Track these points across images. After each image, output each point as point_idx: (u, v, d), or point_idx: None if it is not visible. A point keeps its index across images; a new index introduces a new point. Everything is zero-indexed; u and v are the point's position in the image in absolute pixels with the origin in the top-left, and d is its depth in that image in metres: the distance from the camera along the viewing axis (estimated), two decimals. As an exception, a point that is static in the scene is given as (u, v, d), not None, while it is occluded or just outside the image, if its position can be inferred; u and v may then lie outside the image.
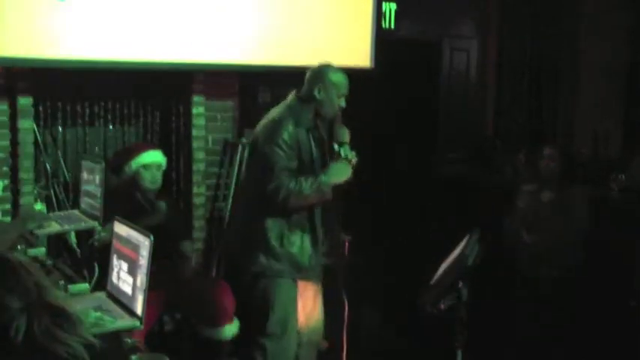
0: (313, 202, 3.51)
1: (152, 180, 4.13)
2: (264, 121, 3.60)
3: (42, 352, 1.73)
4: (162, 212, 4.13)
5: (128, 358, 2.45)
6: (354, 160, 3.52)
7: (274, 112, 3.60)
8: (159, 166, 4.18)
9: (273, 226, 3.53)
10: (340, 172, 3.49)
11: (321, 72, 3.57)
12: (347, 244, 5.31)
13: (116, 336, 2.65)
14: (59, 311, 1.80)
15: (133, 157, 4.11)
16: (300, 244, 3.58)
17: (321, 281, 3.82)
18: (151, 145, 4.35)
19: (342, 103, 3.58)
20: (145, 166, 4.10)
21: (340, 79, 3.56)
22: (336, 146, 3.54)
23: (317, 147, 3.56)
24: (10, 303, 1.75)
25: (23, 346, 1.72)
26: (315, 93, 3.53)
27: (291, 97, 3.61)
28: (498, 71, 7.07)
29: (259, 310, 3.62)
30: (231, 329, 4.00)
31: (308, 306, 3.78)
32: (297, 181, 3.41)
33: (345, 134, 3.57)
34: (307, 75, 3.60)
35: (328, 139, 3.62)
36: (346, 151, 3.51)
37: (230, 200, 4.90)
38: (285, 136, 3.44)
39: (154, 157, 4.17)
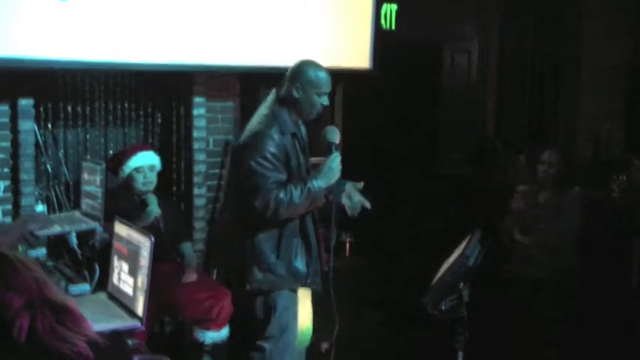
0: (305, 210, 3.35)
1: (145, 182, 4.14)
2: (247, 132, 3.40)
3: (46, 350, 1.71)
4: (155, 209, 4.11)
5: (131, 357, 2.45)
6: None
7: (257, 120, 3.39)
8: (152, 167, 4.18)
9: (266, 238, 3.36)
10: (329, 172, 3.33)
11: (299, 70, 3.38)
12: (348, 244, 5.33)
13: (119, 334, 2.65)
14: (62, 308, 1.79)
15: (125, 160, 4.12)
16: (296, 252, 3.43)
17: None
18: (144, 147, 4.34)
19: (325, 101, 3.40)
20: (138, 169, 4.11)
21: (320, 76, 3.36)
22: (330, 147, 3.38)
23: (302, 151, 3.41)
24: (11, 300, 1.73)
25: (27, 344, 1.71)
26: (294, 92, 3.35)
27: (271, 98, 3.43)
28: (499, 72, 7.07)
29: (260, 320, 3.49)
30: (217, 335, 3.99)
31: (300, 312, 3.72)
32: (287, 190, 3.23)
33: (335, 134, 3.41)
34: (287, 73, 3.42)
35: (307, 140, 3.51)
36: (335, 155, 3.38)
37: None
38: (272, 147, 3.25)
39: (145, 159, 4.17)
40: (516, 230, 4.39)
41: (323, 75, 3.37)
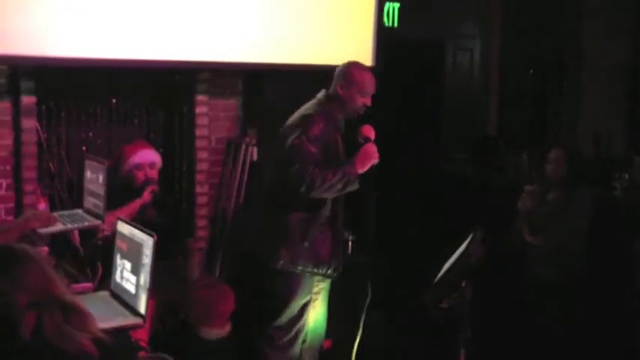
0: (338, 192, 3.48)
1: (145, 179, 4.12)
2: (294, 116, 3.61)
3: (51, 348, 1.69)
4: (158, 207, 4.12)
5: (136, 355, 2.44)
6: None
7: (305, 108, 3.62)
8: (152, 164, 4.16)
9: (297, 220, 3.52)
10: (364, 158, 3.49)
11: (345, 70, 3.61)
12: (350, 243, 5.33)
13: (125, 332, 2.65)
14: (70, 306, 1.76)
15: (125, 158, 4.11)
16: (323, 241, 3.57)
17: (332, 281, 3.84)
18: (144, 144, 4.33)
19: (367, 102, 3.61)
20: (137, 166, 4.10)
21: (364, 77, 3.59)
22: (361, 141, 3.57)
23: (341, 145, 3.59)
24: (18, 298, 1.71)
25: (32, 342, 1.68)
26: (340, 91, 3.57)
27: (321, 94, 3.65)
28: (502, 70, 7.07)
29: (273, 304, 3.64)
30: (219, 333, 4.00)
31: (315, 306, 3.79)
32: (324, 168, 3.39)
33: (371, 131, 3.58)
34: (335, 72, 3.65)
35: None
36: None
37: (235, 196, 4.88)
38: (316, 130, 3.45)
39: (145, 156, 4.16)
40: (526, 231, 4.37)
41: (367, 76, 3.60)
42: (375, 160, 3.51)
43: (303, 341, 3.78)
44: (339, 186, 3.43)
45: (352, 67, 3.62)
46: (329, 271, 3.66)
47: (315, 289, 3.72)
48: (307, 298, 3.68)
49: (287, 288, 3.60)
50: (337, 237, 3.65)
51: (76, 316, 1.75)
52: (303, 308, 3.67)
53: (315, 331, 3.82)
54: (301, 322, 3.68)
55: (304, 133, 3.43)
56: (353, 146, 3.62)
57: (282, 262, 3.56)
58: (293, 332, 3.67)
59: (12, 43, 3.88)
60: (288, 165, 3.41)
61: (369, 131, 3.58)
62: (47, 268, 1.82)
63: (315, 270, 3.61)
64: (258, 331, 3.75)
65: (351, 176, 3.44)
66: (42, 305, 1.71)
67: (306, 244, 3.53)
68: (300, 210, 3.51)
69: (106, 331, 1.88)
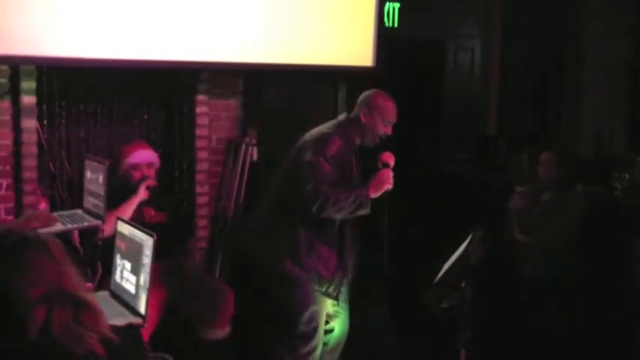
0: (349, 214, 3.52)
1: (142, 179, 4.11)
2: (313, 132, 3.65)
3: (59, 348, 1.62)
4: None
5: (145, 353, 2.42)
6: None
7: (325, 127, 3.66)
8: (149, 164, 4.16)
9: (304, 235, 3.55)
10: (378, 184, 3.53)
11: (370, 96, 3.67)
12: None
13: (136, 329, 2.64)
14: (81, 303, 1.69)
15: (123, 158, 4.12)
16: (327, 259, 3.61)
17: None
18: (141, 145, 4.32)
19: (388, 131, 3.68)
20: (135, 166, 4.10)
21: (387, 105, 3.65)
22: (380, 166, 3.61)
23: (357, 167, 3.63)
24: (27, 290, 1.63)
25: (39, 340, 1.61)
26: (362, 116, 3.62)
27: (342, 117, 3.72)
28: (502, 70, 7.07)
29: (285, 312, 3.65)
30: (219, 333, 4.00)
31: (338, 312, 3.83)
32: (337, 189, 3.44)
33: (390, 158, 3.63)
34: (359, 98, 3.71)
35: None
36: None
37: (235, 197, 4.87)
38: (333, 150, 3.50)
39: (142, 156, 4.16)
40: (516, 230, 4.39)
41: (391, 106, 3.68)
42: (388, 187, 3.56)
43: (325, 344, 3.80)
44: (351, 208, 3.47)
45: (377, 95, 3.68)
46: (330, 289, 3.67)
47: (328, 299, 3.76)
48: (319, 309, 3.68)
49: (292, 297, 3.62)
50: (342, 259, 3.67)
51: (87, 313, 1.67)
52: (319, 316, 3.67)
53: (338, 336, 3.86)
54: (319, 329, 3.69)
55: (321, 152, 3.48)
56: (366, 168, 3.67)
57: (283, 269, 3.59)
58: (315, 342, 3.68)
59: (12, 43, 3.87)
60: (303, 182, 3.46)
61: (389, 157, 3.63)
62: (61, 259, 1.73)
63: (317, 287, 3.63)
64: (275, 338, 3.75)
65: (364, 200, 3.48)
66: (52, 300, 1.63)
67: (310, 258, 3.56)
68: (307, 225, 3.54)
69: (120, 328, 1.80)
